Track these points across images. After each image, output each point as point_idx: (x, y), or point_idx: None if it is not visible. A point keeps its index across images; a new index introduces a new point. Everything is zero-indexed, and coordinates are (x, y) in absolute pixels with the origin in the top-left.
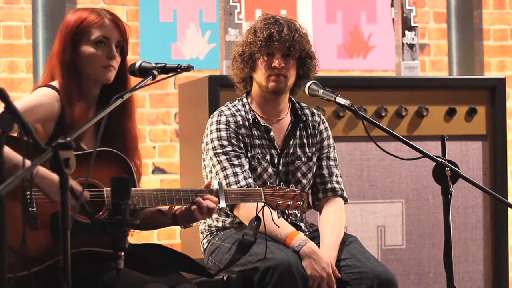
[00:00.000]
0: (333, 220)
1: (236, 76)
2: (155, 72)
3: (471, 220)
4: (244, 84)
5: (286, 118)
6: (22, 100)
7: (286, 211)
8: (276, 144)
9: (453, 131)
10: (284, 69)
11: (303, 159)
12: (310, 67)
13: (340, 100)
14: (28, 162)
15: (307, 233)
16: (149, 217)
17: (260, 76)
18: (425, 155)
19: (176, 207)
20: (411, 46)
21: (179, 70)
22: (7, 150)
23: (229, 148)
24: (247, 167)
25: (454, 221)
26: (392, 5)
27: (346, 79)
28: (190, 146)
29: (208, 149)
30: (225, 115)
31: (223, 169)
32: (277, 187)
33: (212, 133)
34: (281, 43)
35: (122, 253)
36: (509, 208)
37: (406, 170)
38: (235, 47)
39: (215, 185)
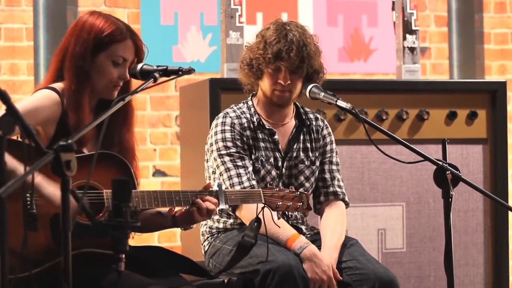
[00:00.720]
0: (334, 223)
1: (243, 81)
2: (157, 75)
3: (471, 224)
4: (250, 86)
5: (291, 122)
6: (22, 102)
7: (287, 213)
8: (280, 147)
9: (453, 134)
10: (289, 85)
11: (306, 163)
12: (316, 80)
13: (341, 103)
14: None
15: (308, 235)
16: (149, 219)
17: (265, 86)
18: (426, 158)
19: (176, 208)
20: (412, 49)
21: (180, 72)
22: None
23: (233, 150)
24: (250, 168)
25: (454, 224)
26: (393, 9)
27: (347, 82)
28: (191, 149)
29: (212, 150)
30: (230, 117)
31: (227, 170)
32: (277, 189)
33: (216, 134)
34: (289, 63)
35: (123, 256)
36: (509, 212)
37: (407, 173)
38: (245, 50)
39: (214, 186)
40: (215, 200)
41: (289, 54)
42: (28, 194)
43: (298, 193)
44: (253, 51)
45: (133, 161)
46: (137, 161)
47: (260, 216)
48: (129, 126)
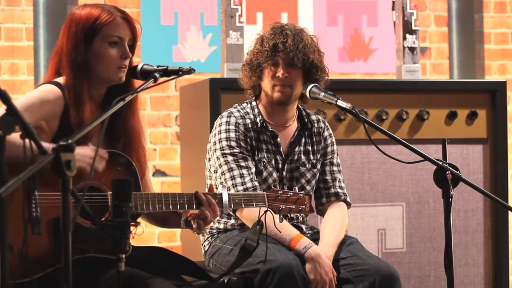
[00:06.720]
0: (334, 222)
1: (245, 83)
2: (157, 75)
3: (471, 224)
4: (253, 90)
5: (293, 125)
6: (24, 97)
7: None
8: (281, 150)
9: (454, 134)
10: (288, 79)
11: (307, 165)
12: (317, 77)
13: (341, 103)
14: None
15: (308, 235)
16: (165, 216)
17: (266, 85)
18: (426, 158)
19: (190, 211)
20: (412, 49)
21: (180, 72)
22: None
23: (237, 150)
24: (253, 169)
25: (454, 224)
26: (393, 8)
27: (347, 82)
28: (191, 148)
29: (215, 149)
30: (235, 117)
31: (230, 170)
32: (280, 191)
33: (221, 133)
34: (285, 53)
35: (123, 256)
36: (509, 212)
37: (407, 173)
38: (247, 54)
39: (219, 189)
40: (217, 209)
41: (285, 45)
42: (32, 196)
43: (301, 195)
44: (252, 51)
45: (140, 147)
46: (144, 147)
47: (262, 219)
48: (134, 111)
